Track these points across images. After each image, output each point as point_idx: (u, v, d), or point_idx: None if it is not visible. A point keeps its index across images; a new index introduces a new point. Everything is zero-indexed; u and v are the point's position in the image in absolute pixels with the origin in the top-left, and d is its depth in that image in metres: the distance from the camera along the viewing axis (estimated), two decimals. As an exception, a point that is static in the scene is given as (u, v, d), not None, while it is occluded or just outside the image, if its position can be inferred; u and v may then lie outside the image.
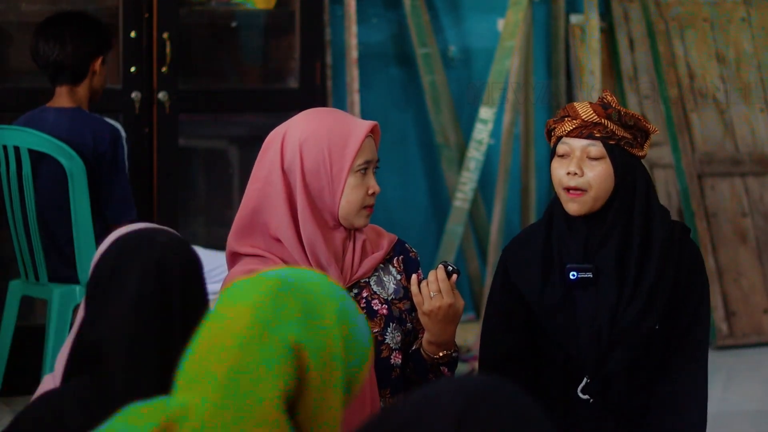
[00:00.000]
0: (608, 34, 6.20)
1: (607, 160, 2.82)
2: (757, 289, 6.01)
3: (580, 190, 2.82)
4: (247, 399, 1.60)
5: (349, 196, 2.73)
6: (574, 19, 6.11)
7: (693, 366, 2.86)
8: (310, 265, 2.74)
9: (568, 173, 2.82)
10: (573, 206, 2.83)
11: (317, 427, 1.66)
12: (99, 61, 4.29)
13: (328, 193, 2.73)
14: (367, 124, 2.75)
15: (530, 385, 2.89)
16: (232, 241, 2.80)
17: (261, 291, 1.67)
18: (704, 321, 2.89)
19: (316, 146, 2.73)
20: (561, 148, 2.86)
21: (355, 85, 5.59)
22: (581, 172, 2.82)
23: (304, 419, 1.65)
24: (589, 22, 6.04)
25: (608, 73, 6.17)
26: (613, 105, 2.89)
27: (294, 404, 1.65)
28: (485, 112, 5.75)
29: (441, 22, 5.98)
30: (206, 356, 1.65)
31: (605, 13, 6.19)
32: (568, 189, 2.83)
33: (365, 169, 2.75)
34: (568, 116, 2.86)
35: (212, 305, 3.92)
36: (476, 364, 5.25)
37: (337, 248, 2.77)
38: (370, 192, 2.76)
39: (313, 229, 2.73)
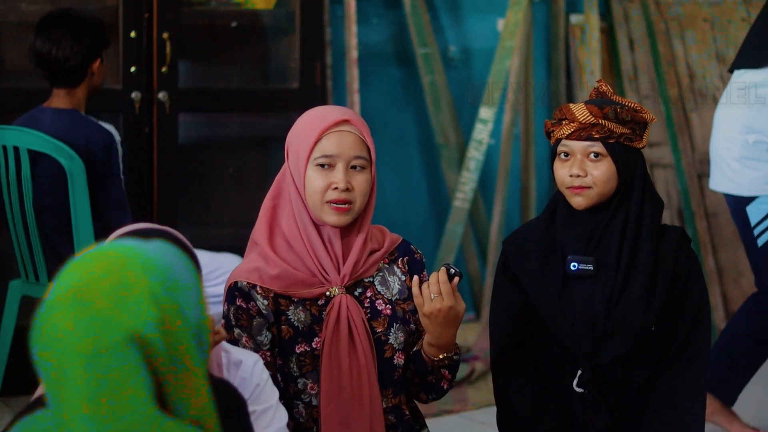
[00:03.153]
0: (608, 34, 6.20)
1: (609, 158, 2.84)
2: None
3: (585, 187, 2.84)
4: (119, 412, 1.60)
5: (307, 188, 2.73)
6: (574, 19, 6.10)
7: (693, 368, 2.88)
8: (311, 258, 2.75)
9: (571, 175, 2.84)
10: (578, 200, 2.86)
11: (189, 402, 1.67)
12: (97, 62, 4.27)
13: (301, 188, 2.74)
14: (331, 118, 2.74)
15: (536, 373, 2.91)
16: (254, 230, 2.82)
17: (67, 311, 1.64)
18: (704, 326, 2.91)
19: (293, 143, 2.77)
20: (562, 150, 2.89)
21: (355, 85, 5.59)
22: (584, 172, 2.85)
23: (175, 402, 1.66)
24: (589, 22, 6.04)
25: (608, 73, 6.17)
26: (609, 95, 2.91)
27: (162, 395, 1.65)
28: (485, 112, 5.75)
29: (441, 22, 5.98)
30: (62, 395, 1.63)
31: (605, 13, 6.19)
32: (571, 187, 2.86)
33: (327, 164, 2.73)
34: (566, 119, 2.87)
35: (214, 308, 3.90)
36: (476, 364, 5.26)
37: (328, 245, 2.77)
38: (333, 186, 2.72)
39: (309, 226, 2.75)
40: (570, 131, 2.86)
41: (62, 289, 1.66)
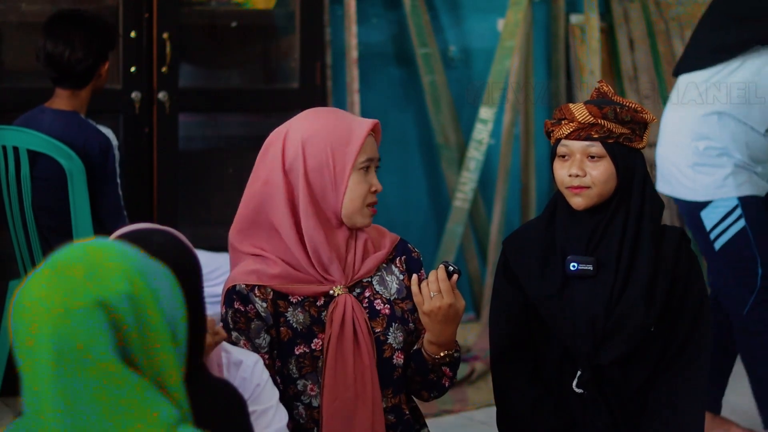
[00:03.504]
0: (608, 34, 6.20)
1: (608, 158, 2.84)
2: (757, 289, 6.00)
3: (584, 187, 2.84)
4: (83, 365, 1.68)
5: (352, 193, 2.74)
6: (574, 19, 6.10)
7: (693, 368, 2.88)
8: (311, 263, 2.75)
9: (570, 175, 2.84)
10: (577, 200, 2.85)
11: (154, 369, 1.74)
12: (106, 64, 4.26)
13: (331, 192, 2.74)
14: (369, 122, 2.77)
15: (536, 373, 2.91)
16: (233, 238, 2.81)
17: (42, 280, 1.73)
18: (704, 326, 2.91)
19: (319, 145, 2.74)
20: (561, 150, 2.88)
21: (355, 85, 5.59)
22: (583, 172, 2.84)
23: (144, 366, 1.73)
24: (589, 22, 6.04)
25: (608, 73, 6.17)
26: (609, 96, 2.91)
27: (132, 359, 1.73)
28: (485, 112, 5.75)
29: (441, 22, 5.98)
30: (31, 356, 1.72)
31: (605, 13, 6.19)
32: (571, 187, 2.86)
33: (367, 167, 2.76)
34: (565, 119, 2.87)
35: (213, 308, 3.92)
36: (476, 364, 5.26)
37: (340, 247, 2.77)
38: (373, 190, 2.77)
39: (316, 229, 2.73)
40: (569, 131, 2.86)
41: (42, 266, 1.76)
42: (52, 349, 1.69)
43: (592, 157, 2.85)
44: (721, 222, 4.23)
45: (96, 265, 1.73)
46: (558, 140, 2.89)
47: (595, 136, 2.84)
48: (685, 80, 4.32)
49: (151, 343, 1.73)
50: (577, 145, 2.86)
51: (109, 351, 1.69)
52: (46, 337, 1.69)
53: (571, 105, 2.89)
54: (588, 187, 2.85)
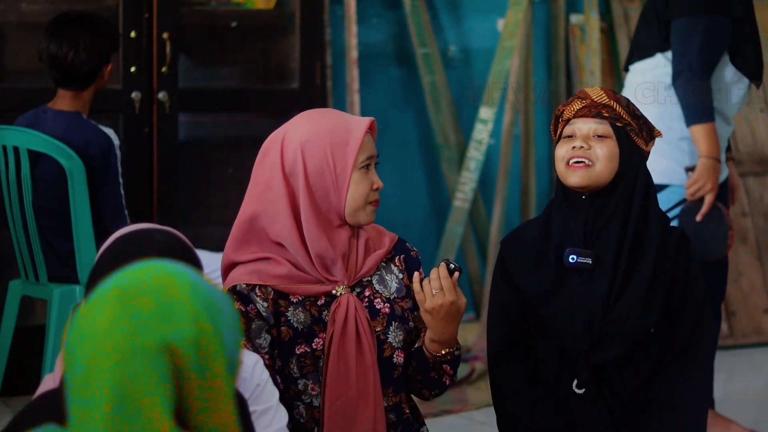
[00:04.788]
0: (608, 34, 6.20)
1: (614, 140, 2.84)
2: (757, 289, 6.01)
3: (586, 162, 2.82)
4: (136, 419, 1.58)
5: (354, 192, 2.74)
6: (574, 19, 6.11)
7: (694, 368, 2.87)
8: (314, 266, 2.74)
9: (574, 147, 2.83)
10: (574, 178, 2.83)
11: (209, 422, 1.63)
12: (109, 66, 4.26)
13: (333, 193, 2.74)
14: (365, 121, 2.77)
15: (535, 373, 2.91)
16: (230, 251, 2.79)
17: (108, 309, 1.62)
18: (706, 326, 2.90)
19: (317, 147, 2.73)
20: (568, 130, 2.88)
21: (355, 85, 5.59)
22: (588, 146, 2.83)
23: (197, 420, 1.63)
24: (589, 22, 6.04)
25: (608, 73, 6.17)
26: None
27: (184, 413, 1.62)
28: (485, 112, 5.75)
29: (441, 22, 5.98)
30: (85, 391, 1.61)
31: (605, 13, 6.19)
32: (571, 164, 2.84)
33: (368, 165, 2.76)
34: (579, 98, 2.87)
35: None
36: (476, 364, 5.26)
37: (343, 247, 2.77)
38: (374, 187, 2.77)
39: (317, 231, 2.73)
40: (581, 106, 2.86)
41: (108, 288, 1.65)
42: (111, 390, 1.59)
43: (599, 137, 2.85)
44: (674, 207, 4.19)
45: (165, 298, 1.63)
46: (566, 122, 2.88)
47: (606, 115, 2.84)
48: (634, 72, 4.31)
49: (211, 395, 1.64)
50: (584, 125, 2.85)
51: (164, 401, 1.59)
52: (106, 374, 1.60)
53: (586, 87, 2.90)
54: (589, 166, 2.83)
